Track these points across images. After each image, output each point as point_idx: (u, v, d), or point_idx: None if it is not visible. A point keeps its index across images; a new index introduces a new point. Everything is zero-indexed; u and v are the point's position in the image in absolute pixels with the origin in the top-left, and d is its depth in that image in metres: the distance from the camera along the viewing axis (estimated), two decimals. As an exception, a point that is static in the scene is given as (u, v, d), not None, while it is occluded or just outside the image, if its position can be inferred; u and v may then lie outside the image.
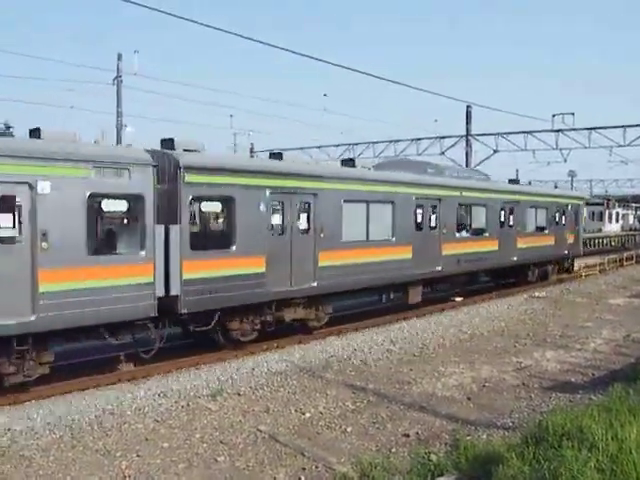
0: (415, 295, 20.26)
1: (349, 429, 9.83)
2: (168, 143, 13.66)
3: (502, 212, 24.57)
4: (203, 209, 14.48)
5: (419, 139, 45.87)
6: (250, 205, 14.33)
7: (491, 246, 23.58)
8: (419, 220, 19.94)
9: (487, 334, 17.53)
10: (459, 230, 22.00)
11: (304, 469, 8.34)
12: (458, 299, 23.57)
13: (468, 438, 9.05)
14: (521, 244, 25.48)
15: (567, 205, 30.25)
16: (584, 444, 7.19)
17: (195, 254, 13.19)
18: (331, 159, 48.04)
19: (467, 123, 41.91)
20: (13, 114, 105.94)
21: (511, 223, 25.07)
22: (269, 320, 15.31)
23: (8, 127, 51.73)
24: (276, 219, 15.22)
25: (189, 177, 13.03)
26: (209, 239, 14.59)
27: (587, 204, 45.68)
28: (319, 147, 50.56)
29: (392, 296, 19.74)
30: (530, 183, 35.26)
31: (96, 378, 12.53)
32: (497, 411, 10.78)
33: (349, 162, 19.40)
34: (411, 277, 19.59)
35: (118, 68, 33.64)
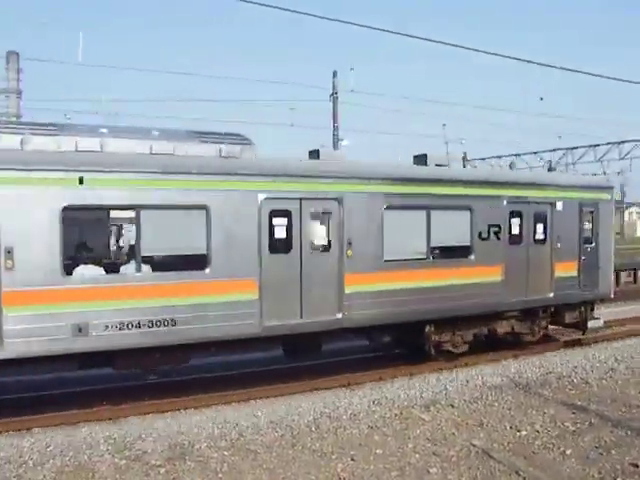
0: None
1: (568, 452, 9.29)
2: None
3: (290, 220, 12.11)
4: None
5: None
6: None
7: (243, 293, 11.65)
8: None
9: None
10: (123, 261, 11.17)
11: (519, 489, 8.07)
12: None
13: None
14: (360, 285, 12.73)
15: (552, 204, 15.86)
16: None
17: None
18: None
19: None
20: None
21: (322, 242, 12.53)
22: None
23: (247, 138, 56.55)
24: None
25: None
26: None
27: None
28: (535, 153, 48.55)
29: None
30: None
31: (315, 382, 13.14)
32: None
33: None
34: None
35: (334, 85, 35.04)
